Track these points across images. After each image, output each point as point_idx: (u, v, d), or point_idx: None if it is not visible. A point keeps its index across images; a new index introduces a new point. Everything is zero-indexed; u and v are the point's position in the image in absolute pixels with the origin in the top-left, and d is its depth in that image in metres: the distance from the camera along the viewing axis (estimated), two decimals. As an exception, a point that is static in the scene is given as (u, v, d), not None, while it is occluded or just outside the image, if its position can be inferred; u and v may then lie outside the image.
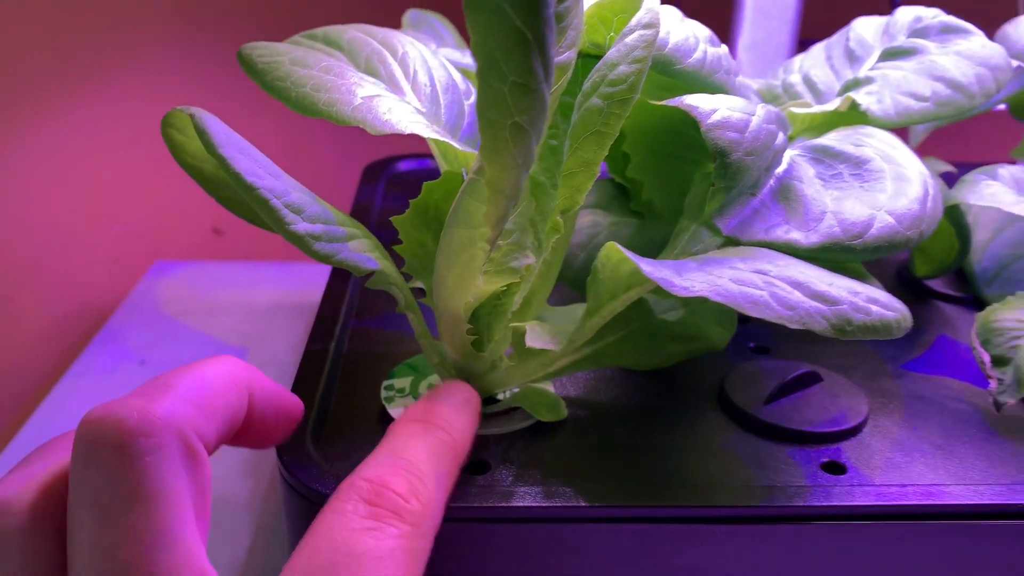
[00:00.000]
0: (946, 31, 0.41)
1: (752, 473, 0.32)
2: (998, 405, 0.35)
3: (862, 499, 0.30)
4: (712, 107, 0.30)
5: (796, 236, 0.30)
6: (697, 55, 0.33)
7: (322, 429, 0.33)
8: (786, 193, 0.32)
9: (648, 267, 0.26)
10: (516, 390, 0.35)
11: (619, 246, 0.26)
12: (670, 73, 0.32)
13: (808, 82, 0.44)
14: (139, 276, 0.76)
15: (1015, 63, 0.47)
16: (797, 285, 0.27)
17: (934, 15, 0.43)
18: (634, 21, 0.28)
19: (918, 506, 0.30)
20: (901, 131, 0.58)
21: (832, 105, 0.38)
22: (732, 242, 0.31)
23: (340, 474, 0.27)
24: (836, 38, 0.46)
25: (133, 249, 0.82)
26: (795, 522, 0.30)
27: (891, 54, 0.42)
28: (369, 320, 0.41)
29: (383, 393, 0.35)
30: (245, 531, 0.45)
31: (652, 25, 0.28)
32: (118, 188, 0.80)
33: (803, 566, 0.30)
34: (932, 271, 0.46)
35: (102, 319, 0.70)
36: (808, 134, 0.39)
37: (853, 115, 0.39)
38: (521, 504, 0.29)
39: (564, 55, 0.27)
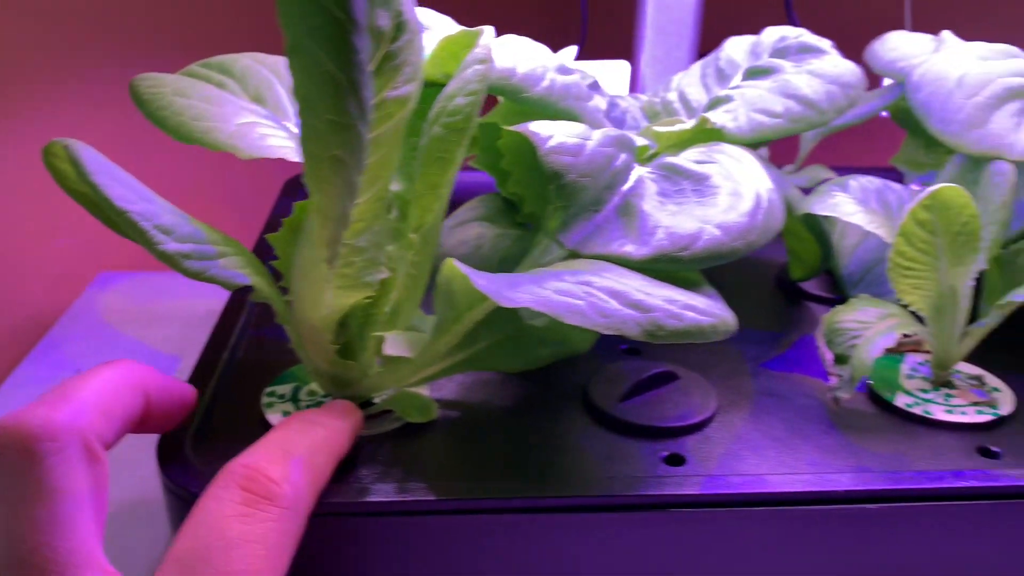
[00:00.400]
0: (803, 51, 0.44)
1: (600, 466, 0.35)
2: (836, 400, 0.38)
3: (689, 488, 0.33)
4: (549, 133, 0.33)
5: (629, 249, 0.33)
6: (545, 84, 0.35)
7: (204, 434, 0.35)
8: (627, 209, 0.35)
9: (481, 281, 0.28)
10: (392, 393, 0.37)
11: (455, 262, 0.29)
12: (520, 100, 0.35)
13: (683, 100, 0.47)
14: (83, 287, 0.79)
15: (888, 80, 0.51)
16: (615, 294, 0.30)
17: (797, 35, 0.46)
18: (470, 56, 0.31)
19: (740, 494, 0.33)
20: (793, 139, 0.61)
21: (688, 124, 0.41)
22: (576, 255, 0.34)
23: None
24: (711, 57, 0.49)
25: (77, 261, 0.84)
26: (628, 510, 0.32)
27: (753, 73, 0.45)
28: (267, 329, 0.44)
29: (264, 399, 0.37)
30: (163, 531, 0.48)
31: (485, 60, 0.31)
32: (62, 201, 0.82)
33: (640, 551, 0.33)
34: (805, 274, 0.49)
35: (46, 330, 0.72)
36: (672, 151, 0.42)
37: (713, 132, 0.42)
38: (374, 500, 0.32)
39: (402, 88, 0.30)
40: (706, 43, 0.65)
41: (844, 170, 0.65)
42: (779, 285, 0.52)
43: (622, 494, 0.32)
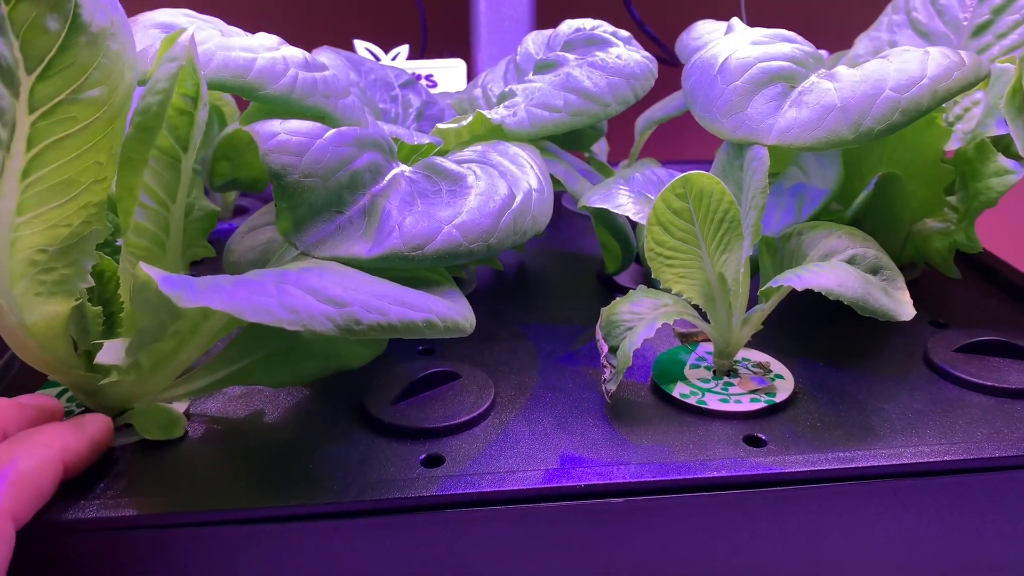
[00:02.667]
0: (589, 43, 0.44)
1: (358, 471, 0.34)
2: (607, 392, 0.37)
3: (430, 489, 0.32)
4: (273, 132, 0.32)
5: (359, 249, 0.32)
6: (285, 80, 0.35)
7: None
8: (372, 210, 0.34)
9: (164, 283, 0.27)
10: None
11: (145, 266, 0.28)
12: (258, 98, 0.34)
13: (486, 95, 0.47)
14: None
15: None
16: (312, 290, 0.29)
17: (592, 26, 0.46)
18: (165, 55, 0.30)
19: (478, 493, 0.32)
20: (628, 130, 0.61)
21: (465, 121, 0.41)
22: (308, 256, 0.33)
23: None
24: (515, 52, 0.48)
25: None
26: (368, 515, 0.31)
27: (540, 67, 0.44)
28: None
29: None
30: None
31: (177, 58, 0.30)
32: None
33: (388, 554, 0.32)
34: (616, 268, 0.48)
35: None
36: (458, 148, 0.41)
37: (496, 129, 0.42)
38: (84, 516, 0.30)
39: (90, 92, 0.29)
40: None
41: (690, 162, 0.65)
42: (599, 279, 0.51)
43: (361, 499, 0.31)
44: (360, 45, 0.58)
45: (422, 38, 0.66)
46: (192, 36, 0.31)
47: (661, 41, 0.69)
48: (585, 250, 0.56)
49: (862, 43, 0.52)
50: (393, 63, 0.60)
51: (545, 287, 0.51)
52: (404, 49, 0.59)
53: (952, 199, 0.46)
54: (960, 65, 0.36)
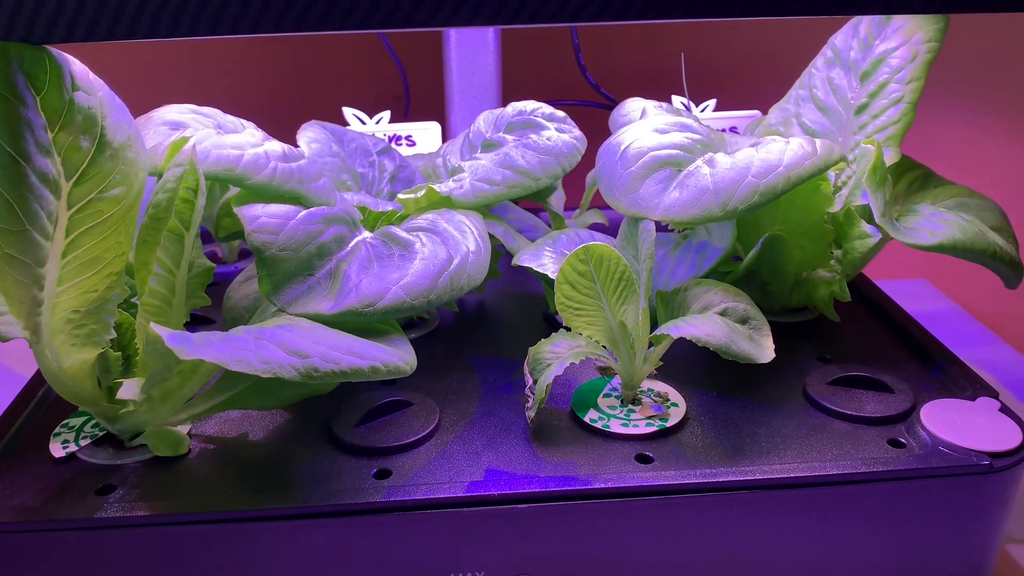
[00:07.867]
0: (526, 126, 0.53)
1: (319, 481, 0.43)
2: (529, 418, 0.46)
3: (373, 496, 0.41)
4: (256, 215, 0.41)
5: (323, 307, 0.41)
6: (267, 171, 0.44)
7: (-3, 464, 0.44)
8: (336, 273, 0.43)
9: (169, 339, 0.36)
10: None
11: (154, 326, 0.37)
12: (245, 187, 0.43)
13: (445, 165, 0.56)
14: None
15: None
16: (282, 344, 0.38)
17: (532, 109, 0.55)
18: (173, 160, 0.39)
19: (418, 500, 0.41)
20: (579, 185, 0.69)
21: (421, 192, 0.50)
22: (283, 312, 0.42)
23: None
24: (470, 129, 0.57)
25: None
26: (322, 517, 0.40)
27: (486, 146, 0.53)
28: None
29: (56, 429, 0.45)
30: None
31: (181, 164, 0.39)
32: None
33: (339, 551, 0.41)
34: (555, 310, 0.57)
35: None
36: (416, 213, 0.50)
37: (445, 199, 0.50)
38: (104, 516, 0.40)
39: (112, 191, 0.38)
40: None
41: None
42: (544, 318, 0.60)
43: (322, 504, 0.40)
44: (348, 112, 0.67)
45: (405, 102, 0.75)
46: (193, 145, 0.40)
47: (615, 100, 0.78)
48: (537, 291, 0.64)
49: (774, 114, 0.60)
50: (377, 126, 0.69)
51: (498, 324, 0.60)
52: (386, 114, 0.68)
53: (837, 253, 0.54)
54: (812, 155, 0.45)
